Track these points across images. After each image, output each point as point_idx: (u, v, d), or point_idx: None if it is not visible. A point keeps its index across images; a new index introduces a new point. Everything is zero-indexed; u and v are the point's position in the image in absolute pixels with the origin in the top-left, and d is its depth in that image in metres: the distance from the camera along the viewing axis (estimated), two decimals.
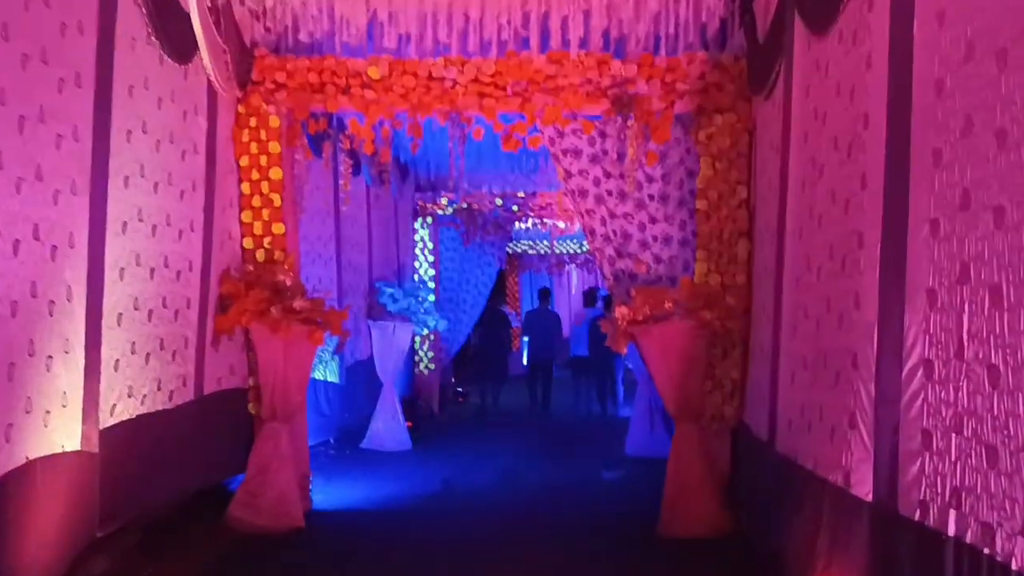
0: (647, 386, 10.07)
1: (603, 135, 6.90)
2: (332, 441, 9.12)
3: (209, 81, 6.03)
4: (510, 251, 18.71)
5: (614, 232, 6.97)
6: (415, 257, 12.88)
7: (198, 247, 6.05)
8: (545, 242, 16.93)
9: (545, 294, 13.95)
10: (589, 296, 14.17)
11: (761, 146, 6.18)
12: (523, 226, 15.30)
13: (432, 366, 12.86)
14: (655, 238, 6.93)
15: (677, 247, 6.90)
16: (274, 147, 6.70)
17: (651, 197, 6.91)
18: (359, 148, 7.95)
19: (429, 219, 12.90)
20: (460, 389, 15.06)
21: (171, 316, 5.67)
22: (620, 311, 6.31)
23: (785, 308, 5.07)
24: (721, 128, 6.47)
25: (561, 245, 17.07)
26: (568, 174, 6.95)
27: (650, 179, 6.89)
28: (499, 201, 12.53)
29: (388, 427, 9.87)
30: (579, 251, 19.20)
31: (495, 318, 13.88)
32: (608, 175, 6.94)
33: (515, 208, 12.64)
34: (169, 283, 5.63)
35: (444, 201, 12.61)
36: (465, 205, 12.63)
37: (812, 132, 4.57)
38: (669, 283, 6.74)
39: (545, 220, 13.49)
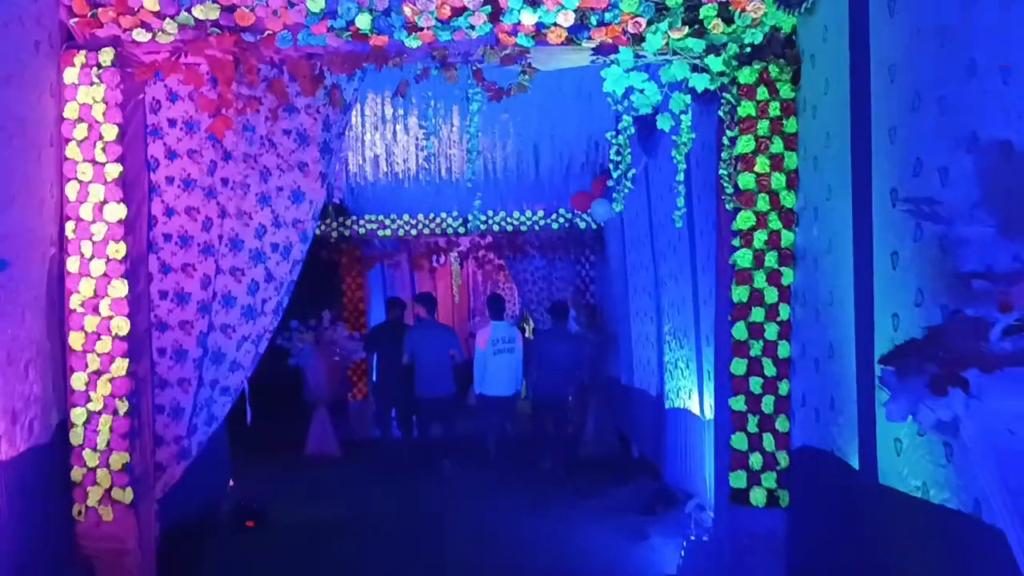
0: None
1: None
2: None
3: None
4: (344, 233, 11.41)
5: None
6: (53, 163, 4.40)
7: None
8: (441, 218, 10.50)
9: (428, 299, 9.89)
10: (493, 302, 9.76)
11: None
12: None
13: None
14: None
15: None
16: None
17: None
18: None
19: (107, 57, 4.48)
20: (254, 505, 6.82)
21: None
22: None
23: None
24: None
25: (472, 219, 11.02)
26: None
27: None
28: (334, 25, 4.28)
29: None
30: (482, 225, 11.27)
31: (398, 328, 9.97)
32: None
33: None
34: None
35: (151, 5, 4.26)
36: (213, 29, 4.27)
37: None
38: None
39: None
